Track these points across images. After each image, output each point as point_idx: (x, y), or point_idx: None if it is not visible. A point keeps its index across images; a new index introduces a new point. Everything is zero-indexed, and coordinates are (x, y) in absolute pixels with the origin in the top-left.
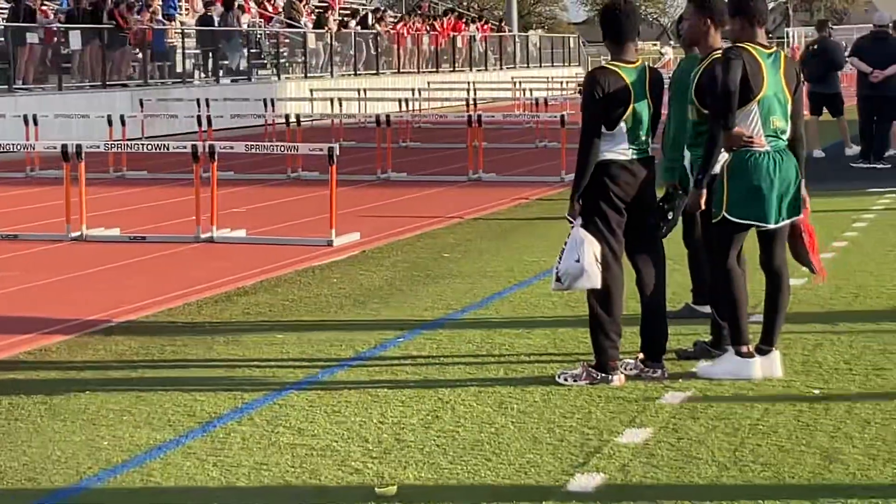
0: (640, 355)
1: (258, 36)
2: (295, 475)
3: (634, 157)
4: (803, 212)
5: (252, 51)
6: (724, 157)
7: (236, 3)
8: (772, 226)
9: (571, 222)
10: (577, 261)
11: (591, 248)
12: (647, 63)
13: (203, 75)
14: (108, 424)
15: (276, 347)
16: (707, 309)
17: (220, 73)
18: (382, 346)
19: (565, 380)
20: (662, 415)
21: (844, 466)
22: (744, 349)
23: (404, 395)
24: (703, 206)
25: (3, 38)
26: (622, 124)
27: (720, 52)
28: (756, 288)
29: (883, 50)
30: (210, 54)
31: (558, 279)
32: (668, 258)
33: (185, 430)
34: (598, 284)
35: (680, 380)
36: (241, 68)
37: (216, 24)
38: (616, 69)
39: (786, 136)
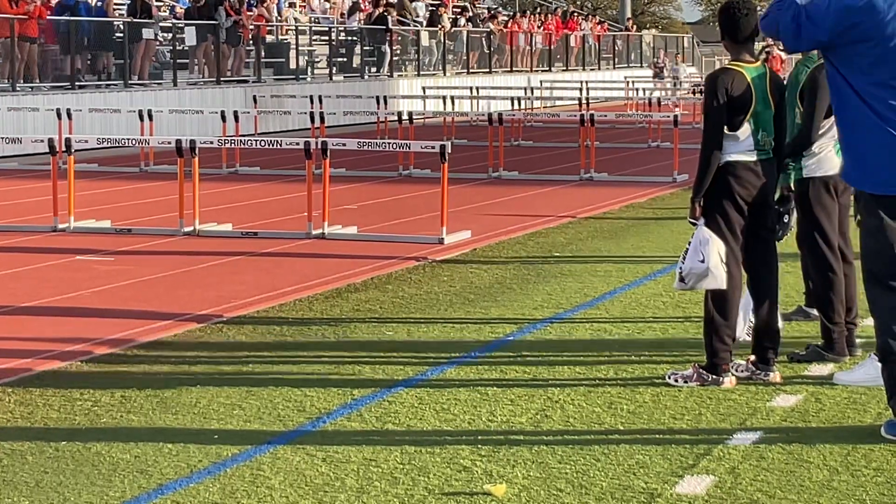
0: (752, 357)
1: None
2: (403, 472)
3: (758, 158)
4: None
5: (365, 48)
6: None
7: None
8: None
9: (694, 223)
10: (702, 261)
11: (717, 248)
12: (767, 65)
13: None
14: (218, 418)
15: (385, 344)
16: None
17: (334, 70)
18: (492, 344)
19: (676, 381)
20: (773, 418)
21: None
22: None
23: (514, 393)
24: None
25: (120, 34)
26: (746, 125)
27: None
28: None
29: None
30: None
31: (682, 279)
32: (780, 261)
33: (295, 425)
34: (723, 285)
35: (791, 383)
36: (355, 66)
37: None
38: (738, 69)
39: None
